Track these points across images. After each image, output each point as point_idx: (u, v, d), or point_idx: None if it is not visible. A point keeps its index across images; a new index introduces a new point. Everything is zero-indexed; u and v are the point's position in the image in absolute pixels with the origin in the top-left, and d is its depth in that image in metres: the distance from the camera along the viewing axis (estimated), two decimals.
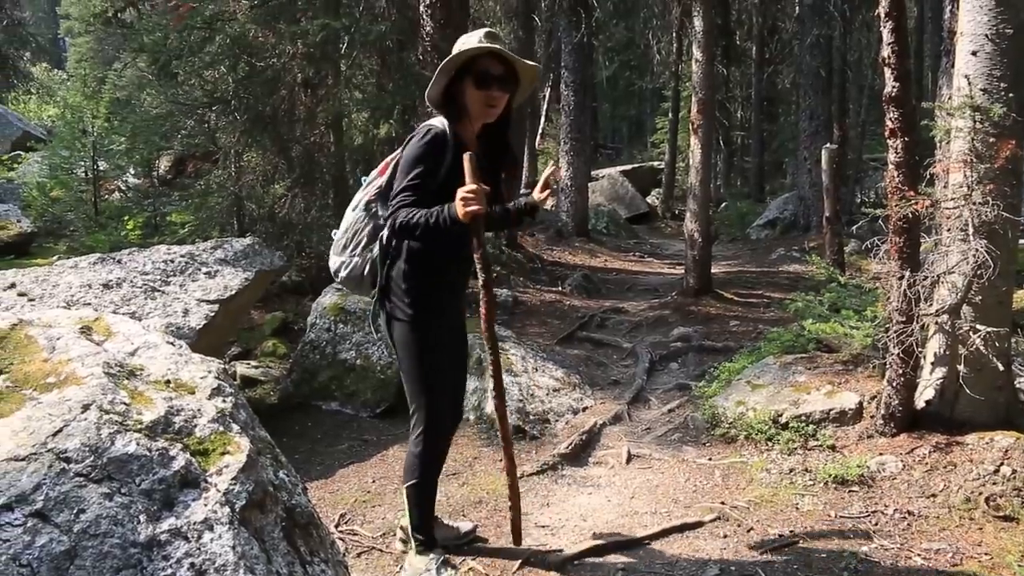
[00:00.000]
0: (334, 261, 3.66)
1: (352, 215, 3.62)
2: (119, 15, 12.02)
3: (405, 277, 3.44)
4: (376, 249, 3.52)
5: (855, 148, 18.57)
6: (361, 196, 3.64)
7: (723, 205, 22.41)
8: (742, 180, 27.35)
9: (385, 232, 3.46)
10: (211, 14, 8.96)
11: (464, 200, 3.06)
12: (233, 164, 9.72)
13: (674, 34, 21.90)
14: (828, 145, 9.26)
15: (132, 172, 13.14)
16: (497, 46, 3.33)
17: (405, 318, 3.44)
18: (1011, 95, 4.46)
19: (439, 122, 3.40)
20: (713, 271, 10.92)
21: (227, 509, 2.49)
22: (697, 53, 10.37)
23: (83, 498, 2.29)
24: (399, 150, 3.52)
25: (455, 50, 3.40)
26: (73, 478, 2.31)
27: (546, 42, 20.51)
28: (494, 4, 17.45)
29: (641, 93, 34.40)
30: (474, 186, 3.08)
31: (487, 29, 3.43)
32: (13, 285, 5.55)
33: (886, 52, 4.65)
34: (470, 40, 3.38)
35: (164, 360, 3.01)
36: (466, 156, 3.11)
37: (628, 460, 5.31)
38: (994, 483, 4.28)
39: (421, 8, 11.04)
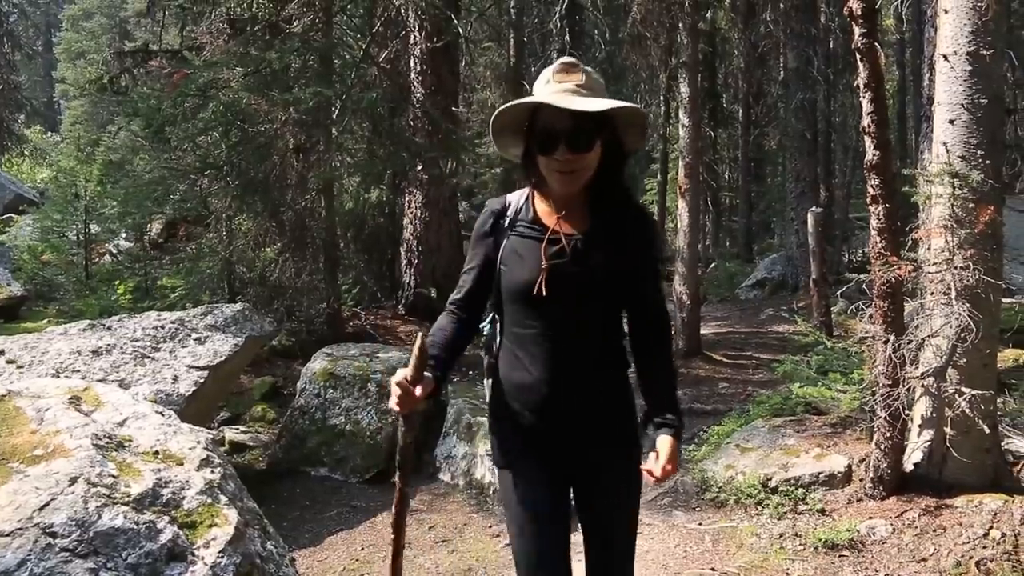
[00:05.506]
0: None
1: None
2: (114, 81, 12.18)
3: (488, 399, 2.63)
4: None
5: (841, 208, 18.80)
6: None
7: (712, 265, 22.54)
8: (731, 240, 27.55)
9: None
10: (205, 82, 9.09)
11: (393, 388, 2.18)
12: (224, 228, 9.78)
13: (662, 97, 22.24)
14: (814, 208, 9.40)
15: (124, 236, 13.22)
16: (554, 97, 2.31)
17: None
18: (988, 162, 4.56)
19: (515, 195, 2.56)
20: (702, 332, 10.95)
21: None
22: (684, 118, 10.56)
23: (69, 574, 2.28)
24: None
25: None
26: (59, 553, 2.31)
27: None
28: (484, 70, 17.78)
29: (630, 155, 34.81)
30: (401, 380, 2.16)
31: (562, 60, 2.43)
32: (2, 352, 5.55)
33: (866, 121, 4.76)
34: (539, 83, 2.43)
35: (153, 431, 3.02)
36: (417, 339, 2.18)
37: None
38: (984, 547, 4.28)
39: (411, 75, 11.27)
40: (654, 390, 2.55)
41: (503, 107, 2.39)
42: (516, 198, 2.52)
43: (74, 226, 11.34)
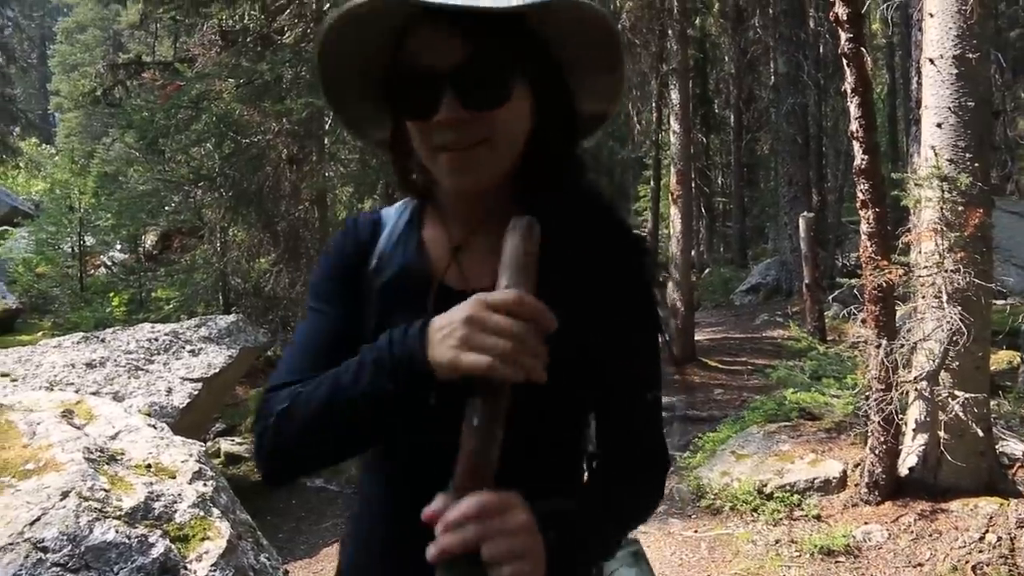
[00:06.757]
0: None
1: None
2: (107, 93, 12.20)
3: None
4: None
5: (834, 212, 18.83)
6: None
7: (706, 271, 22.57)
8: (724, 246, 27.57)
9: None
10: (197, 93, 9.11)
11: (472, 325, 0.92)
12: (219, 240, 9.80)
13: (653, 104, 22.30)
14: (805, 213, 9.42)
15: (118, 248, 13.21)
16: None
17: None
18: (976, 165, 4.58)
19: (394, 210, 1.30)
20: (697, 338, 10.98)
21: None
22: (675, 124, 10.61)
23: None
24: None
25: None
26: (50, 568, 2.30)
27: None
28: None
29: (624, 162, 34.89)
30: (516, 296, 0.91)
31: None
32: None
33: (854, 126, 4.78)
34: None
35: (145, 443, 3.01)
36: (519, 225, 0.98)
37: None
38: (980, 551, 4.28)
39: None
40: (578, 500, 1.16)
41: (329, 21, 1.08)
42: (392, 218, 1.28)
43: (69, 238, 11.35)
